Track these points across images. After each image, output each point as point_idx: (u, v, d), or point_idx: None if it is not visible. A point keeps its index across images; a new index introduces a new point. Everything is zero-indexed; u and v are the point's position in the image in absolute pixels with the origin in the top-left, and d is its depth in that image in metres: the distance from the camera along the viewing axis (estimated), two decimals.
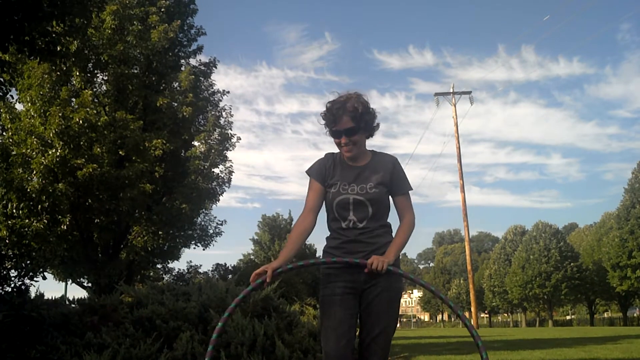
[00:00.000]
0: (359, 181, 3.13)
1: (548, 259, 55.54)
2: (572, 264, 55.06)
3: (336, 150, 3.25)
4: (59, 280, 20.74)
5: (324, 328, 3.06)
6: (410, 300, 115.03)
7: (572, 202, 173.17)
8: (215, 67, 19.22)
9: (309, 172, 3.26)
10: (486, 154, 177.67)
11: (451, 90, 40.35)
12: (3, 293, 5.13)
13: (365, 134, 3.19)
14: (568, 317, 73.82)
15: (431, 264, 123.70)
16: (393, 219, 3.26)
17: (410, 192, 3.27)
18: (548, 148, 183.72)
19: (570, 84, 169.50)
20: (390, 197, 3.22)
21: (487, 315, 76.92)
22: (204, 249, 21.87)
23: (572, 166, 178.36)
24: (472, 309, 38.35)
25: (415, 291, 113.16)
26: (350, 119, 3.08)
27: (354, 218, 3.09)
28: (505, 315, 79.53)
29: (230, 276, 19.27)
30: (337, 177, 3.17)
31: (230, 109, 19.72)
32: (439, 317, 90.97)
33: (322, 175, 3.20)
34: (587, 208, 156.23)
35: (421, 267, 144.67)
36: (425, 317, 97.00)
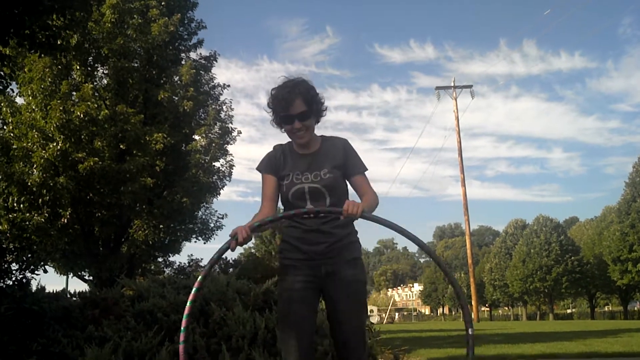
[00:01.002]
0: (313, 168, 3.00)
1: (549, 252, 55.55)
2: (572, 257, 55.06)
3: (283, 141, 3.15)
4: (60, 274, 20.79)
5: (283, 328, 2.96)
6: (411, 294, 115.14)
7: (573, 196, 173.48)
8: (216, 61, 19.18)
9: (259, 168, 3.12)
10: (487, 147, 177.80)
11: (452, 84, 40.35)
12: (4, 286, 5.14)
13: (315, 118, 3.06)
14: (569, 311, 73.91)
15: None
16: None
17: (366, 173, 3.09)
18: (549, 142, 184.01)
19: (572, 78, 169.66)
20: (346, 181, 3.08)
21: (488, 309, 77.01)
22: (205, 243, 21.91)
23: (573, 160, 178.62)
24: (473, 303, 38.45)
25: (416, 285, 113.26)
26: (302, 102, 2.94)
27: (312, 207, 2.95)
28: (506, 308, 79.63)
29: (231, 270, 19.24)
30: (289, 167, 3.03)
31: (231, 102, 19.69)
32: (440, 310, 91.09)
33: (273, 167, 3.06)
34: (588, 202, 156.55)
35: (422, 260, 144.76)
36: (426, 310, 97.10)
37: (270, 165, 3.07)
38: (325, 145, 3.09)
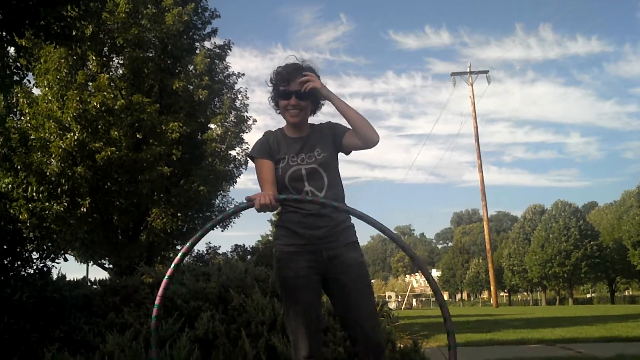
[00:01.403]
0: (306, 150, 2.99)
1: (568, 237, 55.19)
2: (592, 242, 54.67)
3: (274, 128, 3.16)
4: (80, 262, 20.99)
5: (291, 316, 2.92)
6: None
7: (592, 180, 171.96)
8: (230, 50, 19.15)
9: (252, 153, 3.10)
10: (504, 133, 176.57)
11: (468, 70, 40.02)
12: (26, 275, 5.19)
13: (311, 105, 3.06)
14: (588, 296, 73.45)
15: (449, 244, 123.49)
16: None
17: None
18: (567, 127, 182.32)
19: (589, 62, 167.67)
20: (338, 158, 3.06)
21: (507, 294, 76.77)
22: (222, 231, 21.98)
23: (591, 145, 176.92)
24: (492, 288, 38.37)
25: (433, 271, 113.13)
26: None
27: (311, 188, 2.94)
28: (525, 294, 79.30)
29: (249, 257, 19.34)
30: (283, 151, 3.01)
31: (246, 91, 19.72)
32: (458, 296, 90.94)
33: (267, 151, 3.04)
34: (607, 186, 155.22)
35: (439, 247, 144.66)
36: (445, 296, 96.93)
37: (264, 150, 3.05)
38: (314, 129, 3.09)
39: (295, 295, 2.90)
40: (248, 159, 17.00)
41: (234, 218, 20.85)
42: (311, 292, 2.91)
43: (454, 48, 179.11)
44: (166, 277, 2.73)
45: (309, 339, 2.87)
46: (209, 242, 23.39)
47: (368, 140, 2.88)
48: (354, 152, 3.09)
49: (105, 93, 14.52)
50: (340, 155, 3.12)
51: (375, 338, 2.85)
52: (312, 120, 3.16)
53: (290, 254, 2.93)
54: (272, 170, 3.00)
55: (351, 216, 2.99)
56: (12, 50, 8.40)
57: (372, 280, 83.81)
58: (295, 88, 2.95)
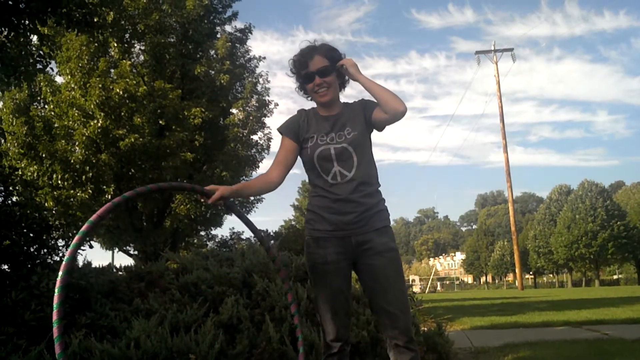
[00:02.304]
0: (336, 129, 2.93)
1: (594, 218, 54.63)
2: (619, 222, 54.06)
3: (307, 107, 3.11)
4: (106, 249, 21.28)
5: (320, 300, 2.93)
6: (453, 263, 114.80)
7: (619, 159, 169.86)
8: (251, 33, 19.10)
9: (280, 129, 3.06)
10: (530, 112, 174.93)
11: (492, 48, 39.53)
12: (52, 263, 5.24)
13: (338, 80, 3.01)
14: (615, 277, 72.66)
15: (474, 226, 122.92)
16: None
17: None
18: (594, 105, 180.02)
19: (617, 38, 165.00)
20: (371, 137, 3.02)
21: (532, 277, 76.30)
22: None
23: (619, 123, 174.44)
24: (517, 270, 38.11)
25: (458, 254, 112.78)
26: (322, 58, 2.93)
27: (339, 168, 2.88)
28: (551, 276, 78.71)
29: (272, 242, 19.43)
30: (313, 130, 2.97)
31: (267, 75, 19.63)
32: (483, 279, 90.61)
33: (294, 131, 3.00)
34: (635, 165, 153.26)
35: (464, 229, 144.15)
36: (469, 279, 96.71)
37: (292, 128, 3.02)
38: (347, 107, 3.04)
39: (324, 280, 2.89)
40: (270, 143, 16.93)
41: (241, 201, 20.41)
42: (340, 277, 2.88)
43: (478, 26, 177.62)
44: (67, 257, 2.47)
45: (336, 323, 2.88)
46: (233, 228, 23.57)
47: (394, 111, 2.82)
48: (377, 134, 3.05)
49: (127, 80, 14.62)
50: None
51: (404, 324, 2.81)
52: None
53: (319, 240, 2.90)
54: (288, 151, 2.99)
55: (383, 198, 2.99)
56: (34, 38, 8.45)
57: None
58: (315, 67, 2.91)
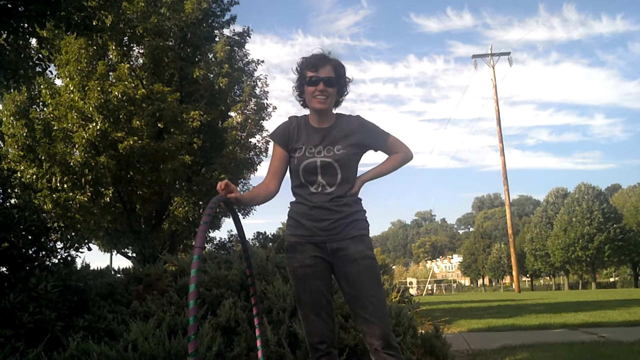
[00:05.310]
0: (326, 143, 2.97)
1: (591, 220, 54.73)
2: (615, 225, 54.18)
3: (300, 114, 3.16)
4: (104, 251, 21.25)
5: (302, 303, 2.95)
6: (451, 265, 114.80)
7: (616, 162, 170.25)
8: (249, 37, 19.08)
9: (271, 136, 3.12)
10: (528, 116, 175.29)
11: (489, 52, 39.64)
12: (50, 265, 5.25)
13: (338, 94, 3.06)
14: (611, 279, 72.75)
15: (471, 229, 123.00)
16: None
17: (391, 134, 3.13)
18: (591, 108, 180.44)
19: (614, 42, 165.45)
20: (360, 160, 3.10)
21: (529, 279, 76.35)
22: (243, 218, 22.03)
23: (616, 126, 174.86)
24: (514, 273, 38.18)
25: (455, 256, 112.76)
26: (332, 70, 2.99)
27: (323, 181, 2.93)
28: (547, 278, 78.78)
29: (270, 244, 19.43)
30: (302, 140, 3.00)
31: (266, 78, 19.60)
32: (480, 281, 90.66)
33: (284, 139, 3.05)
34: (631, 168, 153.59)
35: (461, 232, 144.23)
36: (466, 281, 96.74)
37: (283, 136, 3.07)
38: (340, 121, 3.07)
39: (303, 283, 2.92)
40: (268, 146, 17.05)
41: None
42: (319, 280, 2.92)
43: (476, 30, 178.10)
44: None
45: (319, 326, 2.91)
46: (231, 230, 23.52)
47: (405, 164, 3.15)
48: None
49: (126, 83, 14.62)
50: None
51: (380, 330, 2.82)
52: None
53: (296, 244, 2.96)
54: (280, 160, 3.06)
55: (363, 209, 3.06)
56: (34, 41, 8.47)
57: (393, 267, 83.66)
58: (324, 74, 2.96)
